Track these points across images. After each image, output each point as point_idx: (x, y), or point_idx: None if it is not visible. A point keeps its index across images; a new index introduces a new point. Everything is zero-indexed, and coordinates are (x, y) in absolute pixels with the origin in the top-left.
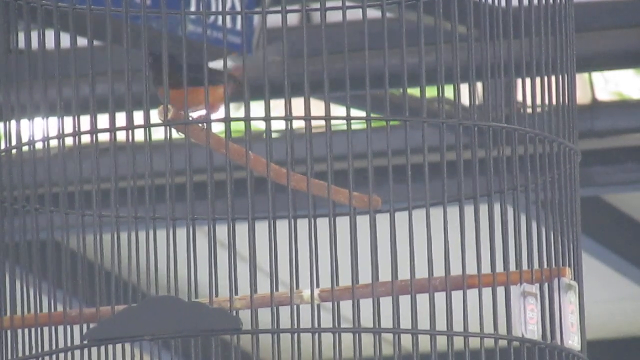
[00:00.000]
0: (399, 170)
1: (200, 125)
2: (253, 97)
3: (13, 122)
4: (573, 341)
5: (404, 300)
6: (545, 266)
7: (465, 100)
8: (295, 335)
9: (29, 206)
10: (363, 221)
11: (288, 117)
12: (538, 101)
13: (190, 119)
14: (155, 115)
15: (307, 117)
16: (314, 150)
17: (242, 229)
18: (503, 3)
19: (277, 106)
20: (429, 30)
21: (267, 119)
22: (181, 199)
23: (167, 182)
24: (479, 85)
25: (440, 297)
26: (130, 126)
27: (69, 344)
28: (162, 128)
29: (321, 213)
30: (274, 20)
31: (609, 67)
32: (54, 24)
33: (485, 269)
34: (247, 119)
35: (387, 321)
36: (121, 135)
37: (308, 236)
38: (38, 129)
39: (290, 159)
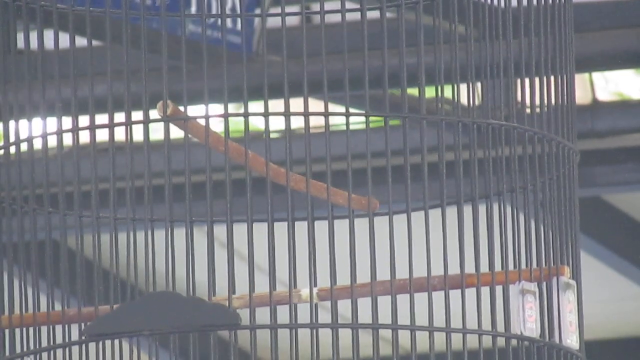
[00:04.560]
0: (398, 170)
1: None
2: (252, 97)
3: (12, 122)
4: (571, 340)
5: (403, 299)
6: (543, 265)
7: (464, 100)
8: (294, 331)
9: (27, 207)
10: (362, 222)
11: (287, 113)
12: (537, 101)
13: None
14: (154, 113)
15: (306, 113)
16: (313, 150)
17: (241, 229)
18: (502, 3)
19: (276, 107)
20: (428, 31)
21: (266, 114)
22: (180, 199)
23: (166, 182)
24: (478, 85)
25: (439, 296)
26: (128, 122)
27: (66, 341)
28: (161, 129)
29: (320, 216)
30: (273, 20)
31: (610, 67)
32: (53, 24)
33: (484, 268)
34: (245, 115)
35: (385, 321)
36: (120, 135)
37: (308, 237)
38: (37, 129)
39: (289, 154)
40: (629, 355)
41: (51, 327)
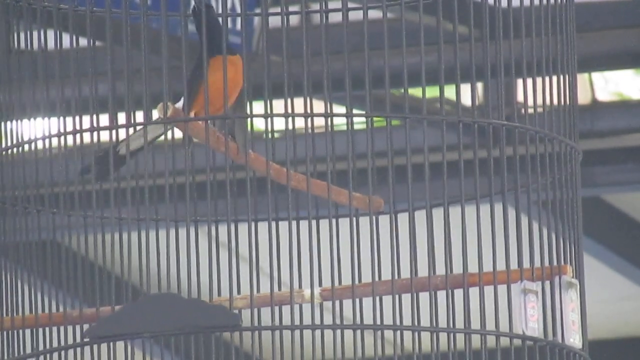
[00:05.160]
0: (399, 170)
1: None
2: (254, 97)
3: (14, 122)
4: (574, 339)
5: (405, 299)
6: (546, 264)
7: (466, 99)
8: (296, 332)
9: (30, 207)
10: (364, 220)
11: (288, 114)
12: (539, 100)
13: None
14: (155, 115)
15: (308, 114)
16: (315, 150)
17: (243, 229)
18: (504, 3)
19: (278, 106)
20: (429, 30)
21: (268, 116)
22: (182, 198)
23: (167, 182)
24: (480, 85)
25: (441, 296)
26: (130, 124)
27: (69, 343)
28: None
29: (322, 215)
30: (274, 20)
31: (609, 67)
32: (54, 24)
33: (487, 267)
34: (247, 116)
35: (388, 321)
36: (121, 135)
37: (309, 237)
38: (39, 129)
39: (290, 156)
40: (629, 355)
41: (52, 328)
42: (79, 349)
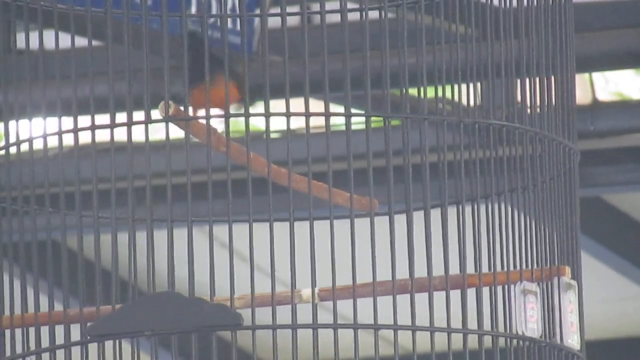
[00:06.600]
0: (398, 170)
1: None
2: (253, 96)
3: (12, 122)
4: (572, 340)
5: (403, 300)
6: (545, 265)
7: (465, 100)
8: (294, 332)
9: (28, 206)
10: (362, 222)
11: (287, 113)
12: (537, 101)
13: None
14: (156, 113)
15: (307, 113)
16: (313, 150)
17: (242, 229)
18: (503, 3)
19: (277, 106)
20: (429, 31)
21: (267, 115)
22: (181, 199)
23: (167, 181)
24: (479, 85)
25: (439, 296)
26: (130, 122)
27: (68, 341)
28: (162, 129)
29: (321, 216)
30: (274, 21)
31: (610, 67)
32: (54, 24)
33: (486, 268)
34: (246, 115)
35: (386, 321)
36: (120, 135)
37: (310, 237)
38: (37, 129)
39: (289, 155)
40: (629, 355)
41: (52, 327)
42: (77, 348)
